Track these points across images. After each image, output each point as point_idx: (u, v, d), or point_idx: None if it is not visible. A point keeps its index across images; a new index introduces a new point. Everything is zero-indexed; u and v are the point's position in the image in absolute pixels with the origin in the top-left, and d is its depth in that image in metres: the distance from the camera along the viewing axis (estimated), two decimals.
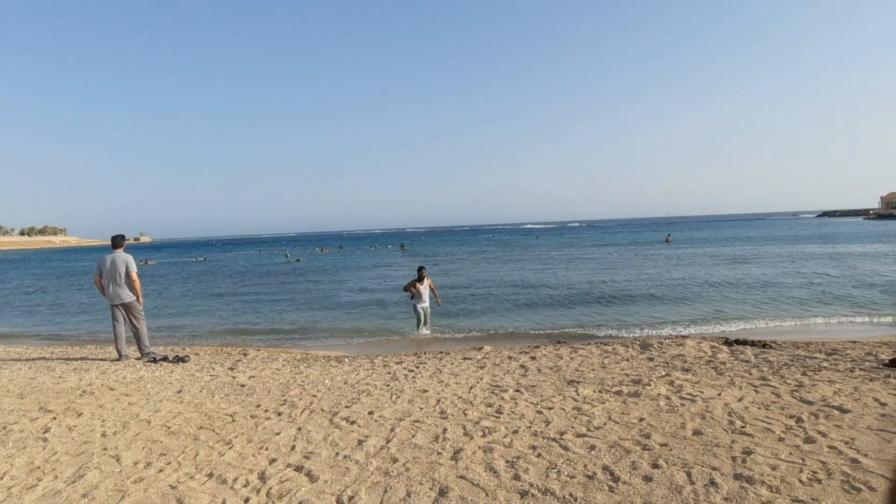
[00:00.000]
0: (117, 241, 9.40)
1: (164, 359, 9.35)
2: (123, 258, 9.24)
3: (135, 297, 9.31)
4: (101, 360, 9.58)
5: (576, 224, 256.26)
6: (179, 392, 6.69)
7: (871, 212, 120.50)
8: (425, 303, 12.91)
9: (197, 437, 5.00)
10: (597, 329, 13.10)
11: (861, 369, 6.70)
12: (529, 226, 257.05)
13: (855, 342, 9.60)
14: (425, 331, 12.99)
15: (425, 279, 12.89)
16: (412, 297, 12.93)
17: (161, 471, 4.25)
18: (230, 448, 4.67)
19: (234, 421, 5.45)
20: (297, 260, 49.67)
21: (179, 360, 9.30)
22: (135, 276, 9.27)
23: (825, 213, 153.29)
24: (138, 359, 9.44)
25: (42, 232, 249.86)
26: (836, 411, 4.95)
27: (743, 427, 4.63)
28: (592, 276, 25.53)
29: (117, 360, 9.39)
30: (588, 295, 18.73)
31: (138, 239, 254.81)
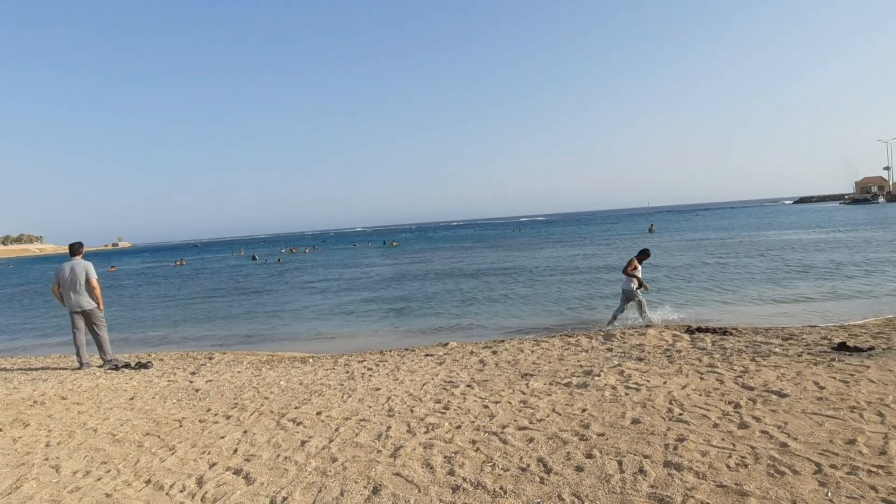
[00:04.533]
0: (75, 249, 9.32)
1: (127, 365, 9.27)
2: (82, 265, 9.15)
3: (95, 305, 9.22)
4: (63, 369, 9.48)
5: (540, 217, 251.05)
6: (132, 399, 6.65)
7: (846, 196, 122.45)
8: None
9: (141, 444, 4.98)
10: (572, 320, 13.02)
11: (809, 353, 6.81)
12: (504, 220, 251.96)
13: (814, 327, 9.74)
14: (645, 318, 11.32)
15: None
16: (629, 280, 11.32)
17: (99, 479, 4.24)
18: (173, 454, 4.66)
19: (181, 426, 5.43)
20: (279, 260, 49.21)
21: (142, 366, 9.23)
22: (95, 282, 9.18)
23: (802, 199, 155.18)
24: (100, 367, 9.36)
25: (18, 240, 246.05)
26: (774, 396, 5.02)
27: (681, 414, 4.69)
28: (581, 267, 25.50)
29: (78, 368, 9.30)
30: (575, 287, 18.68)
31: (116, 244, 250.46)
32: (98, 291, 9.22)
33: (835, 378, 5.47)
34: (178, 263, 58.84)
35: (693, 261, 23.99)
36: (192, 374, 8.39)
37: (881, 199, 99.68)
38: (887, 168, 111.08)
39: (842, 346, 7.15)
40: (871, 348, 7.03)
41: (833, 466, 3.55)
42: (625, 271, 11.46)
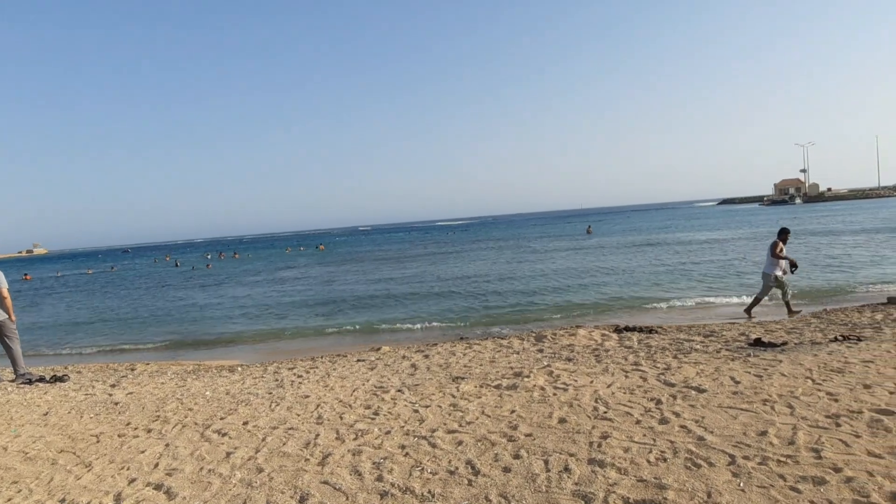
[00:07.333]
0: None
1: (41, 379, 8.80)
2: None
3: (6, 316, 8.74)
4: None
5: (462, 221, 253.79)
6: (46, 414, 6.32)
7: (765, 198, 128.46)
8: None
9: (55, 462, 4.74)
10: (505, 322, 13.13)
11: (727, 349, 7.11)
12: (441, 223, 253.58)
13: (733, 323, 10.17)
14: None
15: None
16: (774, 265, 11.02)
17: (10, 500, 4.02)
18: (89, 470, 4.46)
19: (98, 441, 5.20)
20: (208, 266, 47.94)
21: (58, 379, 8.78)
22: (5, 292, 8.70)
23: (725, 201, 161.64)
24: (12, 381, 8.86)
25: None
26: (693, 391, 5.21)
27: (605, 412, 4.80)
28: (527, 268, 25.70)
29: None
30: (510, 289, 18.77)
31: (31, 251, 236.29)
32: (9, 302, 8.75)
33: (750, 373, 5.70)
34: (112, 268, 57.01)
35: (630, 261, 24.67)
36: (112, 386, 8.05)
37: (798, 200, 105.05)
38: (804, 170, 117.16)
39: (758, 342, 7.50)
40: (785, 343, 7.40)
41: (746, 457, 3.70)
42: (774, 254, 11.05)
